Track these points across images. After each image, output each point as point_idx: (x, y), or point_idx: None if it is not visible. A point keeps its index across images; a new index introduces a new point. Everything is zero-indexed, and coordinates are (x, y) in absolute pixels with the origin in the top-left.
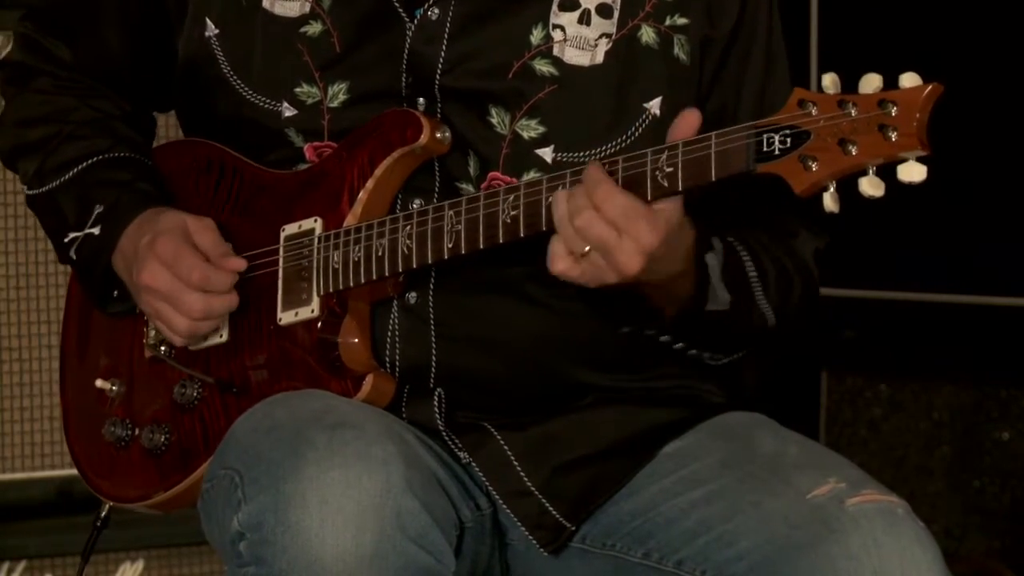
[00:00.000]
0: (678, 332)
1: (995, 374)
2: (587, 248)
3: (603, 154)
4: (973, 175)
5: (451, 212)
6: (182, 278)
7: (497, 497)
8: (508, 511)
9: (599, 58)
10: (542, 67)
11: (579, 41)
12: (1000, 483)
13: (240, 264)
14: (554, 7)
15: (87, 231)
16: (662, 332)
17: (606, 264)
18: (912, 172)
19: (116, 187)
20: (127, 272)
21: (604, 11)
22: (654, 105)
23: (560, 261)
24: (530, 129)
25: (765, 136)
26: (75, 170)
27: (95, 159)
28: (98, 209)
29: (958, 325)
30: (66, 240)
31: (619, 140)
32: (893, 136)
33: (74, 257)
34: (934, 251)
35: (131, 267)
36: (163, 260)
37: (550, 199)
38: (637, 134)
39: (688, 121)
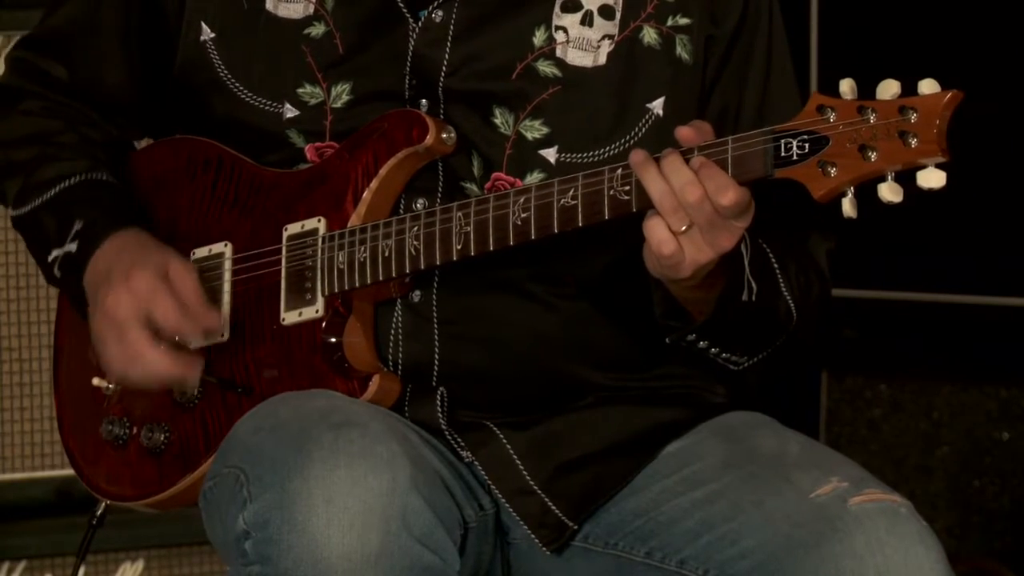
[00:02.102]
0: (712, 330)
1: (995, 374)
2: (686, 226)
3: (607, 155)
4: (973, 175)
5: (460, 213)
6: (155, 320)
7: (500, 496)
8: (511, 510)
9: (602, 59)
10: (545, 68)
11: (582, 42)
12: (1000, 483)
13: (215, 323)
14: (556, 9)
15: (66, 248)
16: (699, 337)
17: (704, 241)
18: (931, 178)
19: (95, 206)
20: (92, 289)
21: (606, 12)
22: (657, 105)
23: (666, 244)
24: (534, 130)
25: (783, 141)
26: (56, 189)
27: (76, 179)
28: (77, 226)
29: (958, 325)
30: (49, 259)
31: (622, 141)
32: (913, 142)
33: (58, 275)
34: (934, 251)
35: (98, 287)
36: (136, 295)
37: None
38: (640, 134)
39: (701, 131)
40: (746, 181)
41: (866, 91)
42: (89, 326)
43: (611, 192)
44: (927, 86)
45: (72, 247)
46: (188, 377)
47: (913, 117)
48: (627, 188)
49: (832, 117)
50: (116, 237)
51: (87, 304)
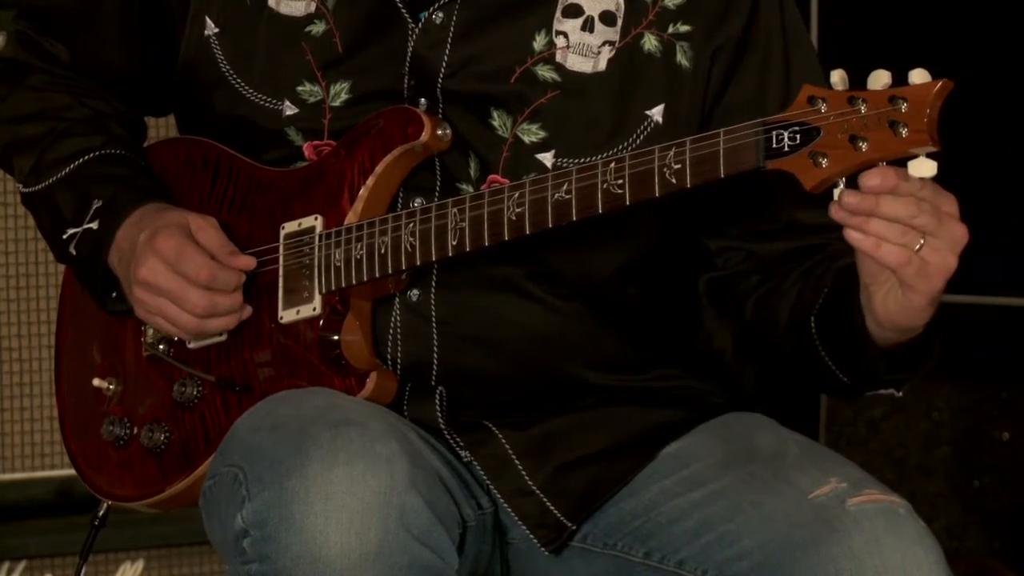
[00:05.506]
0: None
1: (995, 374)
2: (919, 243)
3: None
4: (973, 174)
5: (455, 209)
6: (188, 276)
7: (498, 496)
8: (509, 510)
9: (601, 65)
10: (544, 73)
11: (582, 48)
12: (1000, 483)
13: (249, 262)
14: (558, 14)
15: (85, 226)
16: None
17: (942, 244)
18: (922, 168)
19: (114, 182)
20: (123, 267)
21: (608, 19)
22: (656, 112)
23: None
24: (531, 133)
25: (774, 133)
26: (72, 166)
27: (91, 155)
28: (96, 204)
29: (958, 325)
30: (64, 236)
31: (620, 147)
32: (904, 132)
33: (73, 253)
34: None
35: (128, 262)
36: (164, 257)
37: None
38: (638, 141)
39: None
40: (738, 173)
41: (858, 82)
42: (131, 302)
43: (604, 186)
44: (917, 75)
45: (93, 225)
46: (237, 300)
47: (903, 107)
48: (620, 182)
49: (823, 108)
50: (137, 212)
51: (104, 284)
